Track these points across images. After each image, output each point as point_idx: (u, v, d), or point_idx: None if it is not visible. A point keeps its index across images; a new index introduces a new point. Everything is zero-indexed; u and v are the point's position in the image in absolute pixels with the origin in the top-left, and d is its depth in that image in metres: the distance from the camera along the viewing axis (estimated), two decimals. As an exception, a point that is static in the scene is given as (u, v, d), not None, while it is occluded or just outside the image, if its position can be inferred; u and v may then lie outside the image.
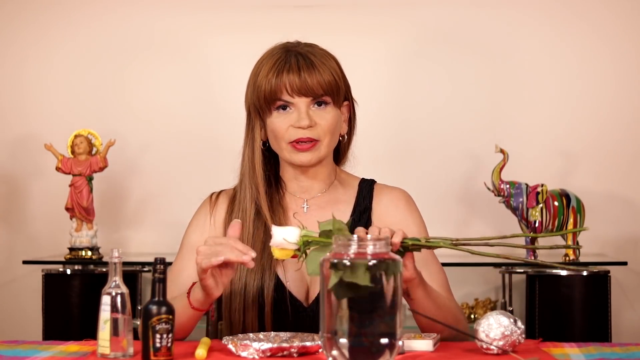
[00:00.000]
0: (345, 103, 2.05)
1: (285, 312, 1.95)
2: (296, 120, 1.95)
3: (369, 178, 2.11)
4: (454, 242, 1.73)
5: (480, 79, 3.66)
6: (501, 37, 3.66)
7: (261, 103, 1.98)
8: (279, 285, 1.96)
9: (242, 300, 1.95)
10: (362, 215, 2.04)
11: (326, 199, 2.05)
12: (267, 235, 1.92)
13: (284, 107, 1.97)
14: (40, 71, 3.72)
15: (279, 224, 1.98)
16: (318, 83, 1.95)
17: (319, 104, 1.98)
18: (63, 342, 1.86)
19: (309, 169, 2.02)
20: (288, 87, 1.95)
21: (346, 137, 2.08)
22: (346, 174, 2.11)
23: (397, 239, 1.71)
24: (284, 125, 1.97)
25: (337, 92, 1.99)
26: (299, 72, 1.95)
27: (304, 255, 1.70)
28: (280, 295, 1.95)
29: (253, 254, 1.71)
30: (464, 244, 1.73)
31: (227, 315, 2.00)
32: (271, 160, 2.07)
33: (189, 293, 1.83)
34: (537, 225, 3.26)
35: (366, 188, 2.08)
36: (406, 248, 1.75)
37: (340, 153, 2.11)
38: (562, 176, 3.59)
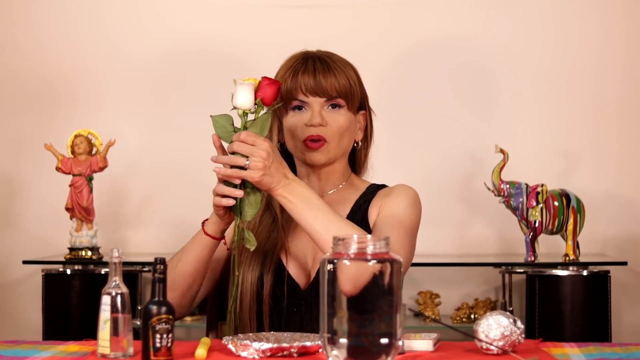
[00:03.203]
0: (362, 112, 2.12)
1: (283, 295, 2.01)
2: (309, 119, 2.03)
3: (380, 184, 2.15)
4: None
5: (480, 79, 3.66)
6: (501, 36, 3.66)
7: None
8: (280, 269, 2.02)
9: (241, 286, 2.00)
10: (357, 212, 2.08)
11: (334, 197, 2.10)
12: (273, 226, 2.06)
13: (300, 107, 2.05)
14: (40, 71, 3.73)
15: (287, 218, 2.03)
16: (332, 85, 2.03)
17: (333, 106, 2.05)
18: (63, 342, 1.86)
19: (321, 169, 2.09)
20: (303, 87, 2.03)
21: (360, 143, 2.14)
22: (359, 179, 2.17)
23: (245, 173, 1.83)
24: (299, 123, 2.04)
25: (351, 96, 2.06)
26: (315, 73, 2.03)
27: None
28: (279, 278, 2.01)
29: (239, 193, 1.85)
30: None
31: (228, 305, 2.04)
32: (286, 161, 2.11)
33: (203, 225, 1.96)
34: (537, 225, 3.26)
35: (372, 191, 2.12)
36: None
37: (357, 161, 2.17)
38: (562, 176, 3.59)
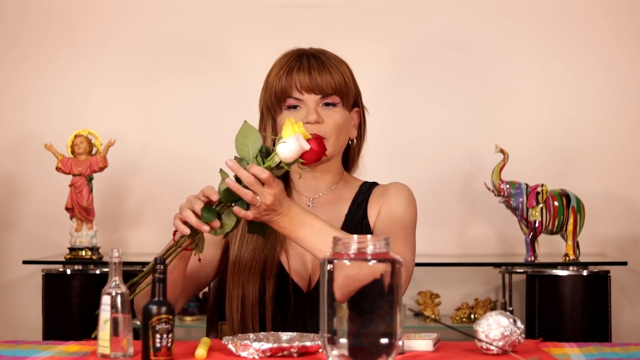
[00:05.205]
0: (356, 109, 2.10)
1: (285, 299, 1.99)
2: (305, 116, 1.99)
3: (371, 181, 2.15)
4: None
5: (480, 79, 3.66)
6: (501, 37, 3.66)
7: (273, 101, 2.03)
8: (282, 272, 2.01)
9: (242, 289, 1.99)
10: (358, 209, 2.07)
11: (330, 197, 2.09)
12: (271, 228, 1.96)
13: (295, 106, 2.02)
14: (40, 71, 3.73)
15: None
16: (327, 82, 2.00)
17: (328, 103, 2.02)
18: (63, 342, 1.85)
19: (316, 167, 2.06)
20: (298, 85, 2.00)
21: (355, 141, 2.11)
22: (351, 177, 2.16)
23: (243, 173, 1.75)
24: None
25: (346, 93, 2.04)
26: (310, 70, 2.00)
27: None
28: (282, 282, 2.00)
29: (206, 228, 1.79)
30: None
31: (228, 306, 2.04)
32: None
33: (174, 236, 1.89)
34: (537, 225, 3.26)
35: (366, 188, 2.11)
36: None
37: (350, 159, 2.15)
38: (562, 176, 3.59)
